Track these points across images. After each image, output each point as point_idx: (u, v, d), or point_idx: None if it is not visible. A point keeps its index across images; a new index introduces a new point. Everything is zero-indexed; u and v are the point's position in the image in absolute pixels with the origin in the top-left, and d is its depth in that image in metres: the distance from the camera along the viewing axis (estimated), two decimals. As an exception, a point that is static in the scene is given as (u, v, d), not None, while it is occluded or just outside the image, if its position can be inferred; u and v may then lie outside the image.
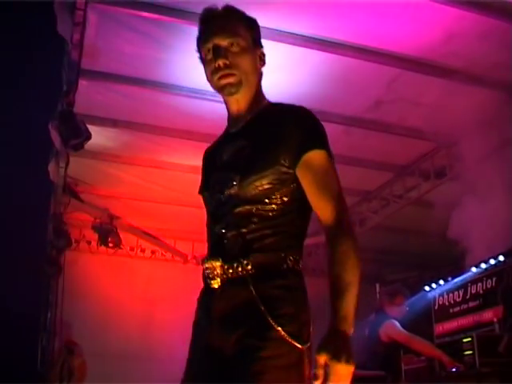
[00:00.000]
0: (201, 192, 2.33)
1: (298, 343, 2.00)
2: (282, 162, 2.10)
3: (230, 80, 2.20)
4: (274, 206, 2.12)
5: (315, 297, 6.90)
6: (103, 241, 7.41)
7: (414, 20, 4.29)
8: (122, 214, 7.35)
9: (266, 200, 2.12)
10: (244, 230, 2.11)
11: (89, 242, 8.10)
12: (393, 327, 5.84)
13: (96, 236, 7.56)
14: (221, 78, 2.19)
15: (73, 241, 7.68)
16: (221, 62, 2.19)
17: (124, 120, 5.45)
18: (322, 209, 2.09)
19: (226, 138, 2.32)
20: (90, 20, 4.01)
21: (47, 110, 5.08)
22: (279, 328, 1.98)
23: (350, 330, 1.94)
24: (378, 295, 8.79)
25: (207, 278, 2.16)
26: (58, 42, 4.37)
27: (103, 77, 4.81)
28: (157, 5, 4.10)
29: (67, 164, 5.47)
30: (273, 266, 2.08)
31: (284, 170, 2.10)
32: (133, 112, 5.35)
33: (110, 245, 7.42)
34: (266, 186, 2.11)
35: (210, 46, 2.23)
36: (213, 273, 2.13)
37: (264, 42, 3.94)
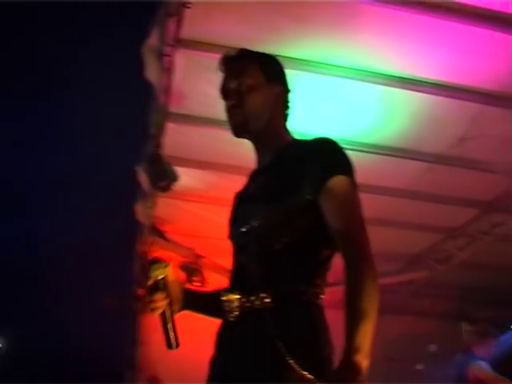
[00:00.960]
0: (229, 228, 2.36)
1: (318, 382, 1.93)
2: (305, 190, 2.09)
3: (236, 119, 2.28)
4: (296, 235, 2.09)
5: (399, 336, 6.82)
6: (189, 280, 7.52)
7: (493, 55, 4.26)
8: (207, 253, 7.44)
9: (289, 229, 2.09)
10: (264, 261, 2.10)
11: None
12: (481, 368, 5.71)
13: (181, 274, 7.69)
14: (229, 118, 2.30)
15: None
16: (229, 104, 2.30)
17: (209, 161, 5.55)
18: (340, 235, 2.04)
19: (254, 176, 2.38)
20: (176, 65, 4.13)
21: (136, 153, 5.24)
22: (296, 366, 1.94)
23: (364, 362, 1.85)
24: (464, 334, 8.61)
25: (225, 312, 2.15)
26: (145, 86, 4.52)
27: (189, 119, 4.92)
28: (236, 48, 4.20)
29: (154, 205, 5.60)
30: (292, 299, 2.05)
31: (307, 198, 2.08)
32: (218, 153, 5.40)
33: (196, 284, 7.51)
34: (289, 215, 2.10)
35: (221, 89, 2.34)
36: (230, 306, 2.12)
37: (346, 81, 4.01)
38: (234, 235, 2.30)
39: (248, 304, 2.08)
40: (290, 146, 2.31)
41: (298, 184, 2.11)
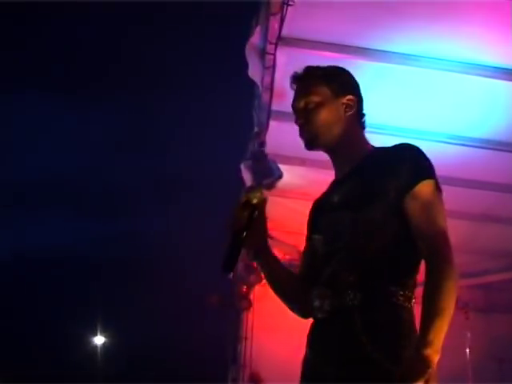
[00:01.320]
0: (309, 235, 2.44)
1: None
2: (391, 195, 2.13)
3: (305, 136, 2.38)
4: (385, 238, 2.13)
5: (509, 336, 6.65)
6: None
7: None
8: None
9: (378, 233, 2.13)
10: (355, 268, 2.12)
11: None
12: None
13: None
14: (300, 136, 2.40)
15: (263, 276, 7.86)
16: (298, 123, 2.40)
17: (311, 158, 5.55)
18: (423, 239, 2.08)
19: (334, 185, 2.41)
20: (278, 63, 4.16)
21: (239, 152, 5.30)
22: (382, 364, 1.98)
23: (435, 356, 1.91)
24: None
25: (314, 310, 2.21)
26: (249, 85, 4.58)
27: (291, 117, 4.92)
28: (338, 44, 4.22)
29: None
30: (380, 299, 2.09)
31: (393, 202, 2.12)
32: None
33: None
34: (378, 219, 2.13)
35: (293, 108, 2.46)
36: (321, 304, 2.17)
37: (452, 74, 3.92)
38: (319, 244, 2.33)
39: (337, 302, 2.12)
40: (371, 154, 2.36)
41: (385, 190, 2.15)
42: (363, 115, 2.46)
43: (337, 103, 2.37)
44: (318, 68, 2.46)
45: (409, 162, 2.18)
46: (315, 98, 2.36)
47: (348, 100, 2.38)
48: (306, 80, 2.43)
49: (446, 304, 1.95)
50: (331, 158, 2.45)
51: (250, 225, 2.28)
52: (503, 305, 8.71)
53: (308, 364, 2.23)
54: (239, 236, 2.27)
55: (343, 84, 2.43)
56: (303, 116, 2.38)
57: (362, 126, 2.45)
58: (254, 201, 2.29)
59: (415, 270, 2.18)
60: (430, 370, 1.89)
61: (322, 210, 2.40)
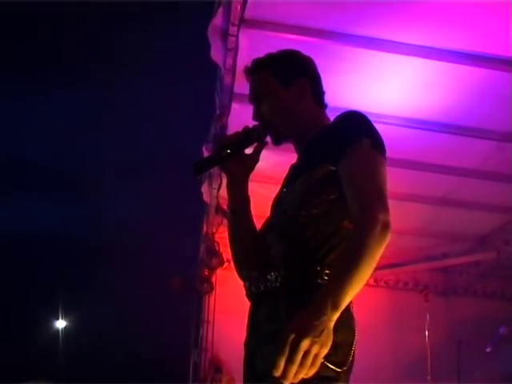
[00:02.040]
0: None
1: (332, 366, 1.87)
2: (326, 161, 2.07)
3: (268, 132, 2.35)
4: (318, 208, 2.06)
5: (468, 318, 6.75)
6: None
7: None
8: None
9: (311, 203, 2.07)
10: (286, 240, 2.08)
11: (236, 263, 8.18)
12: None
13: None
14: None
15: (225, 260, 7.88)
16: (255, 118, 2.38)
17: (272, 141, 5.56)
18: (353, 196, 1.98)
19: (290, 169, 2.40)
20: (241, 45, 4.14)
21: (201, 134, 5.27)
22: None
23: (329, 311, 1.75)
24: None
25: (246, 291, 2.19)
26: (210, 67, 4.55)
27: (254, 100, 4.92)
28: (300, 27, 4.21)
29: (220, 185, 5.64)
30: (304, 280, 2.00)
31: (329, 168, 2.06)
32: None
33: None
34: (312, 189, 2.08)
35: (249, 102, 2.44)
36: (249, 285, 2.16)
37: (413, 59, 3.94)
38: (268, 219, 2.33)
39: (263, 284, 2.09)
40: (323, 129, 2.30)
41: (321, 156, 2.12)
42: (322, 93, 2.43)
43: (288, 92, 2.34)
44: (264, 59, 2.44)
45: (344, 126, 2.15)
46: (265, 93, 2.36)
47: (300, 84, 2.36)
48: (254, 74, 2.42)
49: (361, 260, 1.80)
50: (295, 145, 2.43)
51: (238, 148, 2.30)
52: (462, 288, 8.84)
53: (244, 347, 2.22)
54: (222, 150, 2.30)
55: (293, 69, 2.40)
56: (258, 113, 2.38)
57: (322, 105, 2.42)
58: (254, 135, 2.31)
59: (344, 244, 2.02)
60: (319, 323, 1.73)
61: (278, 192, 2.39)
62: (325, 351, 1.74)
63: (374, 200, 1.92)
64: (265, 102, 2.34)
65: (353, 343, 1.98)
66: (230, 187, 2.43)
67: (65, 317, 18.74)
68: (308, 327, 1.72)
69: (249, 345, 2.18)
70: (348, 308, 1.97)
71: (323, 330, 1.73)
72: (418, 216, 6.96)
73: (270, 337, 1.99)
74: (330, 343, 1.75)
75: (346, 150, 2.03)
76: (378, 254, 1.83)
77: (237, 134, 2.32)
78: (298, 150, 2.42)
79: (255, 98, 2.39)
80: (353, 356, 1.97)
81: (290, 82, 2.34)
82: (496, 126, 5.20)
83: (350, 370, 1.94)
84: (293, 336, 1.71)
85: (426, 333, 7.34)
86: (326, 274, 1.98)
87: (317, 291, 1.88)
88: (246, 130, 2.32)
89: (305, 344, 1.70)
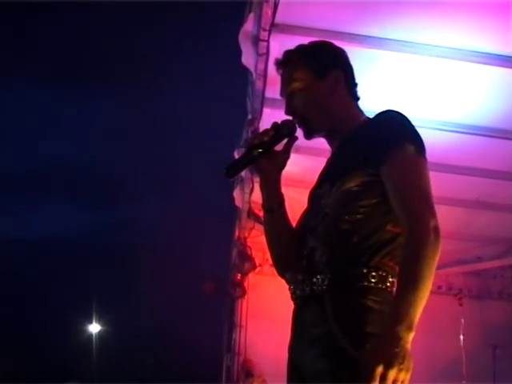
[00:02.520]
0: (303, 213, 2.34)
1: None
2: (368, 164, 2.03)
3: (300, 126, 2.30)
4: (360, 211, 2.03)
5: (503, 322, 6.66)
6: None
7: None
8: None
9: (353, 205, 2.04)
10: (330, 245, 2.05)
11: (272, 265, 8.17)
12: None
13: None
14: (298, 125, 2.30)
15: (257, 264, 7.90)
16: (288, 112, 2.33)
17: (305, 146, 5.54)
18: (401, 204, 1.97)
19: (326, 163, 2.35)
20: (272, 50, 4.15)
21: (233, 138, 5.29)
22: (352, 350, 1.87)
23: (407, 333, 1.79)
24: None
25: (291, 294, 2.15)
26: (242, 72, 4.57)
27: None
28: (331, 31, 4.20)
29: (252, 190, 5.64)
30: (349, 283, 1.99)
31: (371, 171, 2.03)
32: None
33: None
34: (353, 191, 2.04)
35: (281, 96, 2.40)
36: (295, 288, 2.13)
37: (444, 60, 3.88)
38: (307, 218, 2.28)
39: (309, 288, 2.06)
40: (360, 125, 2.26)
41: (362, 158, 2.07)
42: (355, 85, 2.38)
43: (323, 83, 2.29)
44: (296, 50, 2.40)
45: (386, 128, 2.10)
46: (298, 85, 2.30)
47: (334, 76, 2.30)
48: (287, 66, 2.36)
49: (422, 273, 1.84)
50: (328, 139, 2.38)
51: (270, 146, 2.24)
52: (496, 291, 8.76)
53: (289, 349, 2.19)
54: (254, 150, 2.24)
55: (326, 60, 2.35)
56: (290, 105, 2.33)
57: (355, 97, 2.37)
58: (284, 131, 2.24)
59: (393, 246, 2.04)
60: (400, 349, 1.76)
61: (314, 187, 2.36)
62: (408, 376, 1.77)
63: (422, 207, 1.92)
64: (298, 95, 2.30)
65: None
66: (264, 186, 2.36)
67: (99, 321, 18.88)
68: (392, 356, 1.75)
69: (294, 347, 2.16)
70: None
71: (405, 356, 1.77)
72: (451, 219, 6.88)
73: (316, 340, 1.99)
74: (411, 366, 1.78)
75: (389, 155, 2.01)
76: (435, 262, 1.88)
77: (266, 131, 2.26)
78: (331, 144, 2.38)
79: (287, 90, 2.34)
80: None
81: (324, 73, 2.30)
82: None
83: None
84: (380, 368, 1.73)
85: (461, 336, 7.29)
86: (373, 277, 1.98)
87: (363, 294, 1.95)
88: (276, 126, 2.26)
89: (393, 374, 1.73)
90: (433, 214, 1.92)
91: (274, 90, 4.82)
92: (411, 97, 4.88)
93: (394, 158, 2.01)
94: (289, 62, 2.37)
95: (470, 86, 4.72)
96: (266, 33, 3.79)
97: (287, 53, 2.40)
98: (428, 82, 4.72)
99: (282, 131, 2.25)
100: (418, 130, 4.42)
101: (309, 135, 2.33)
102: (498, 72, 4.46)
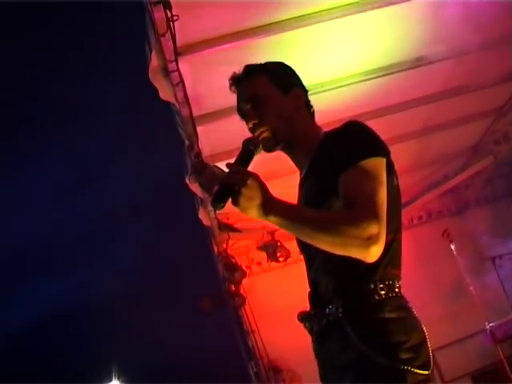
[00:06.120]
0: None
1: (421, 370, 1.90)
2: (335, 185, 2.00)
3: (264, 135, 2.24)
4: None
5: (490, 227, 6.74)
6: (273, 257, 7.59)
7: None
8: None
9: None
10: (331, 273, 2.07)
11: (259, 263, 8.31)
12: None
13: (263, 254, 7.78)
14: (257, 137, 2.23)
15: (245, 269, 7.92)
16: (251, 124, 2.26)
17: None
18: (345, 199, 1.96)
19: (300, 184, 2.32)
20: (184, 72, 4.12)
21: (181, 168, 5.26)
22: (386, 362, 1.90)
23: (273, 210, 1.86)
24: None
25: (309, 330, 2.18)
26: (165, 106, 4.54)
27: (215, 115, 4.94)
28: (232, 33, 4.22)
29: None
30: (363, 302, 2.00)
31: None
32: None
33: (281, 259, 7.57)
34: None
35: (239, 112, 2.33)
36: (310, 324, 2.15)
37: (346, 18, 3.89)
38: (303, 249, 2.28)
39: (324, 320, 2.07)
40: (321, 142, 2.23)
41: (330, 183, 2.03)
42: (311, 105, 2.37)
43: (284, 98, 2.28)
44: (258, 65, 2.36)
45: (348, 145, 2.06)
46: (263, 97, 2.27)
47: (296, 93, 2.31)
48: (249, 79, 2.32)
49: (326, 229, 1.86)
50: (290, 155, 2.35)
51: (245, 164, 2.10)
52: (473, 199, 8.95)
53: (322, 379, 2.19)
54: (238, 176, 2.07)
55: (287, 78, 2.35)
56: (254, 116, 2.26)
57: (312, 116, 2.37)
58: (251, 147, 2.12)
59: (393, 254, 2.07)
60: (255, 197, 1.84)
61: None
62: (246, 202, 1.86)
63: (365, 208, 1.90)
64: (263, 105, 2.26)
65: (426, 340, 2.00)
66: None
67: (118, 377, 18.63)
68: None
69: (328, 379, 2.15)
70: (410, 311, 2.05)
71: (249, 196, 1.85)
72: (407, 154, 6.99)
73: (349, 365, 1.99)
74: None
75: (343, 176, 1.99)
76: (345, 251, 1.87)
77: (240, 155, 2.12)
78: (297, 160, 2.35)
79: (249, 101, 2.28)
80: (430, 352, 1.99)
81: (287, 89, 2.29)
82: (450, 45, 5.17)
83: (433, 367, 1.96)
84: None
85: (454, 252, 7.36)
86: (381, 289, 2.00)
87: (378, 308, 1.96)
88: (246, 147, 2.12)
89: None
90: (371, 218, 1.87)
91: (198, 107, 4.85)
92: (327, 63, 4.93)
93: (345, 177, 1.99)
94: (251, 74, 2.33)
95: (374, 32, 4.78)
96: (174, 63, 3.76)
97: (248, 66, 2.35)
98: (335, 44, 4.77)
99: (248, 146, 2.12)
100: (346, 88, 4.45)
101: (272, 146, 2.27)
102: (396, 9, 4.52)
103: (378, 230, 1.85)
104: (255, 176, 1.87)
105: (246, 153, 2.10)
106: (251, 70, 2.34)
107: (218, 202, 1.91)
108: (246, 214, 1.88)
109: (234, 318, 8.30)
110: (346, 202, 1.94)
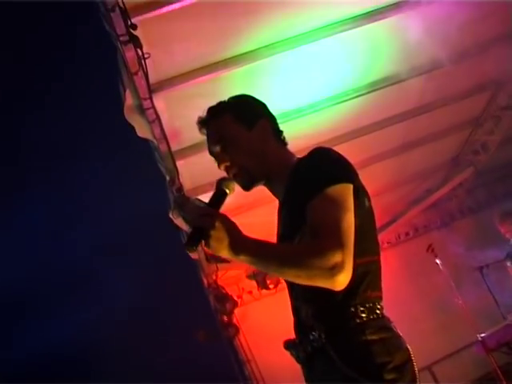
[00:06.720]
0: None
1: None
2: (305, 215, 2.00)
3: (238, 177, 2.22)
4: None
5: (477, 238, 6.77)
6: (263, 285, 7.59)
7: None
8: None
9: None
10: (310, 301, 2.08)
11: (250, 292, 8.31)
12: None
13: (253, 283, 7.77)
14: (233, 178, 2.21)
15: (236, 298, 7.90)
16: (222, 167, 2.25)
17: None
18: (311, 226, 1.97)
19: (278, 212, 2.32)
20: (160, 109, 4.15)
21: (164, 203, 5.27)
22: (371, 382, 1.91)
23: (241, 249, 1.88)
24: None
25: (296, 358, 2.17)
26: (144, 144, 4.56)
27: (194, 148, 4.96)
28: (205, 66, 4.27)
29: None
30: (344, 326, 2.01)
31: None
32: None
33: (271, 286, 7.57)
34: None
35: (211, 154, 2.31)
36: (297, 352, 2.15)
37: (319, 42, 3.95)
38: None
39: (309, 347, 2.08)
40: (293, 170, 2.21)
41: (301, 213, 2.02)
42: (281, 132, 2.36)
43: (252, 134, 2.26)
44: (220, 106, 2.34)
45: (311, 175, 2.06)
46: (229, 138, 2.26)
47: (261, 126, 2.29)
48: (213, 122, 2.31)
49: (291, 262, 1.90)
50: (267, 186, 2.35)
51: (218, 204, 2.09)
52: (457, 211, 9.04)
53: None
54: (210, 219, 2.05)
55: (250, 112, 2.33)
56: (225, 159, 2.25)
57: (283, 143, 2.35)
58: (226, 189, 2.09)
59: (369, 277, 2.06)
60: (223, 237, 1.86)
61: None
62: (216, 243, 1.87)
63: (328, 236, 1.90)
64: (232, 146, 2.24)
65: (411, 358, 2.00)
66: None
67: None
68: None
69: None
70: (393, 331, 2.05)
71: (218, 237, 1.87)
72: (388, 172, 7.04)
73: None
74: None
75: (309, 205, 2.00)
76: (312, 281, 1.90)
77: (213, 195, 2.12)
78: (274, 193, 2.35)
79: (217, 144, 2.27)
80: (416, 370, 2.00)
81: (252, 124, 2.28)
82: (420, 61, 5.24)
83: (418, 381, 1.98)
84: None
85: (440, 266, 7.36)
86: (362, 311, 2.01)
87: (360, 331, 1.97)
88: (220, 187, 2.11)
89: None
90: (333, 246, 1.88)
91: (177, 142, 4.88)
92: (300, 88, 4.97)
93: (310, 208, 1.99)
94: (215, 117, 2.31)
95: (345, 54, 4.86)
96: (148, 100, 3.79)
97: (211, 109, 2.33)
98: (308, 69, 4.82)
99: (221, 186, 2.10)
100: (322, 113, 4.46)
101: (249, 185, 2.25)
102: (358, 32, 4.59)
103: (343, 257, 1.86)
104: (223, 217, 1.90)
105: (219, 193, 2.10)
106: (215, 111, 2.33)
107: (190, 245, 1.92)
108: (218, 255, 1.91)
109: (229, 349, 8.28)
110: (312, 232, 1.95)
